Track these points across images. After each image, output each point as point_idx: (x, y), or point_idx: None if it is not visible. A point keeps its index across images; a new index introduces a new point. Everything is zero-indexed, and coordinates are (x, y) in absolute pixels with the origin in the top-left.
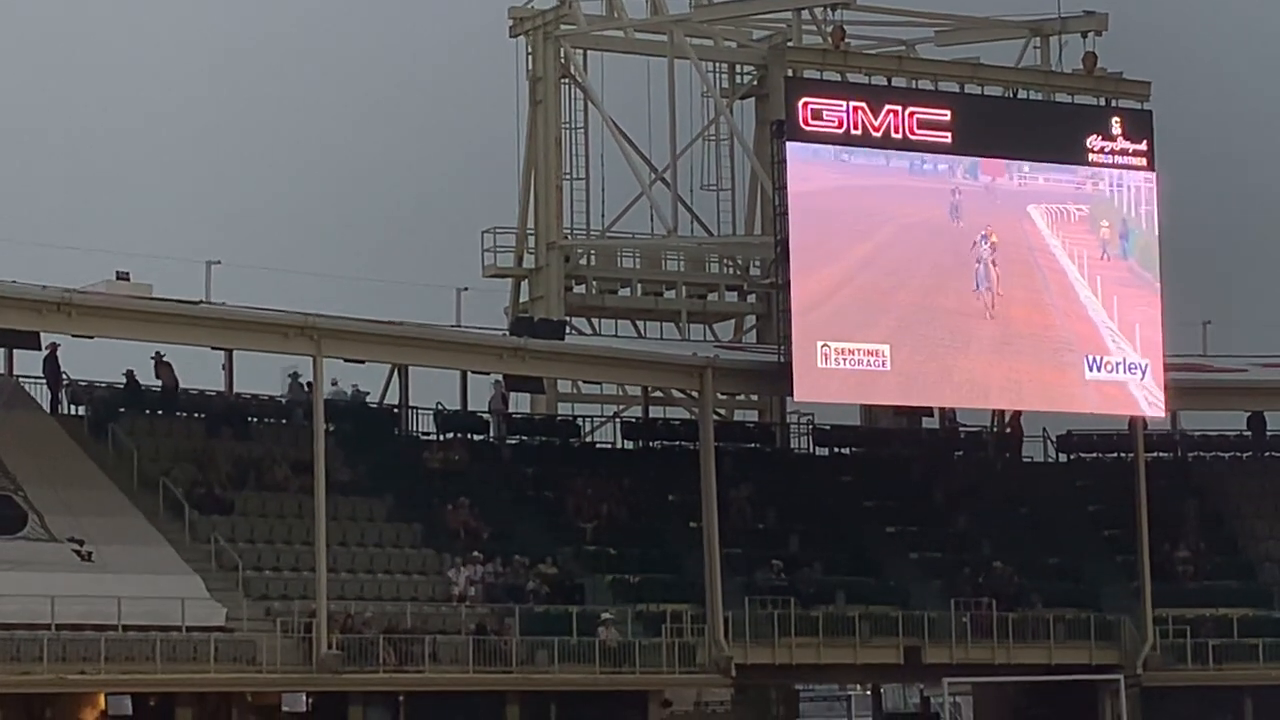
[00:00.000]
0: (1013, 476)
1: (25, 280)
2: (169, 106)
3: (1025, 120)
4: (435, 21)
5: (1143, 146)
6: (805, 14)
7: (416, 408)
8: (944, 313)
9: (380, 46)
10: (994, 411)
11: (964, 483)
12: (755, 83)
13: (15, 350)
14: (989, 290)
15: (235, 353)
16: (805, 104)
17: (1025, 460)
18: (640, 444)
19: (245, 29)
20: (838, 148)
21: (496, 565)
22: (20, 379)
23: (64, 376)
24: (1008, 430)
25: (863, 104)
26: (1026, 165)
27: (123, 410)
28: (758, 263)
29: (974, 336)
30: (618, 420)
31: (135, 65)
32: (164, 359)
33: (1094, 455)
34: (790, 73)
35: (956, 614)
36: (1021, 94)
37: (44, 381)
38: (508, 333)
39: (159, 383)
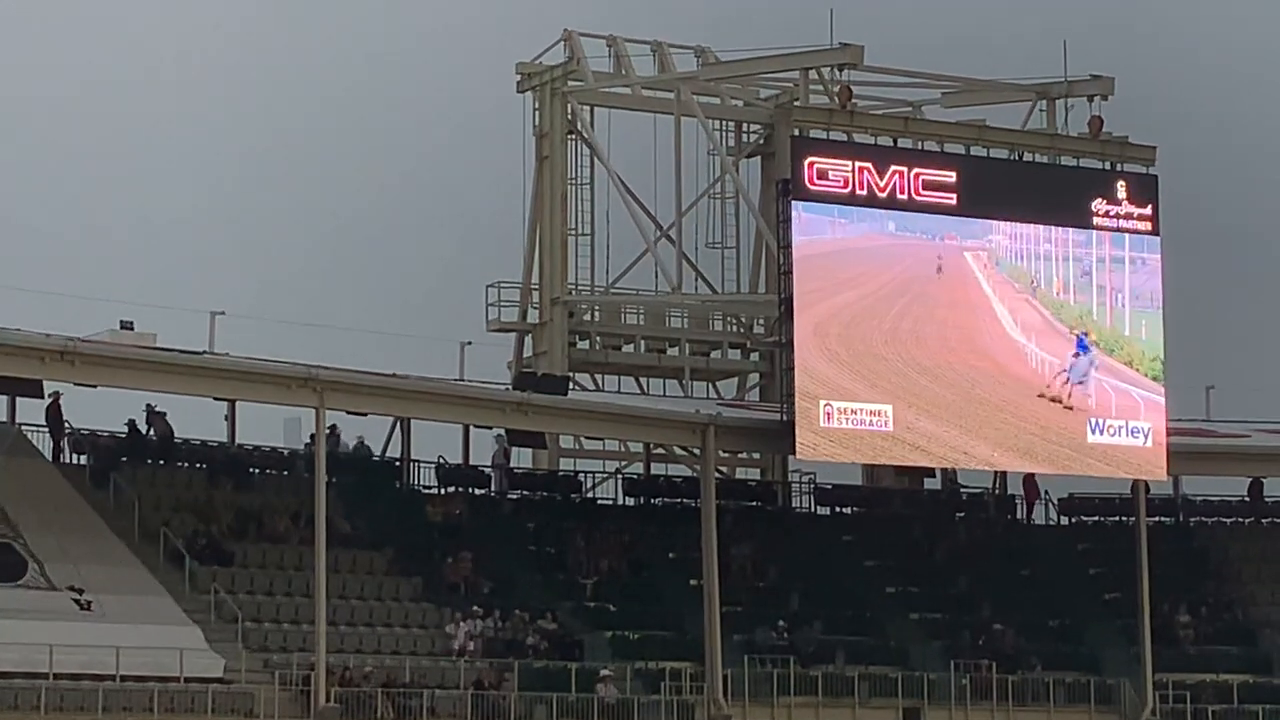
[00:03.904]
0: (1014, 538)
1: (29, 328)
2: (175, 158)
3: (1030, 183)
4: (443, 76)
5: (1147, 211)
6: (812, 74)
7: (418, 461)
8: (948, 374)
9: (387, 100)
10: (995, 473)
11: (965, 544)
12: (761, 141)
13: (18, 398)
14: (992, 354)
15: (238, 403)
16: (811, 163)
17: (1027, 523)
18: (642, 501)
19: (251, 81)
20: (842, 207)
21: (496, 620)
22: (22, 427)
23: (66, 425)
24: (1017, 493)
25: (868, 164)
26: (1031, 228)
27: (124, 459)
28: (761, 321)
29: (977, 398)
30: (619, 477)
31: (141, 116)
32: (157, 409)
33: (1095, 518)
34: (796, 132)
35: (956, 675)
36: (1027, 157)
37: (46, 430)
38: (511, 387)
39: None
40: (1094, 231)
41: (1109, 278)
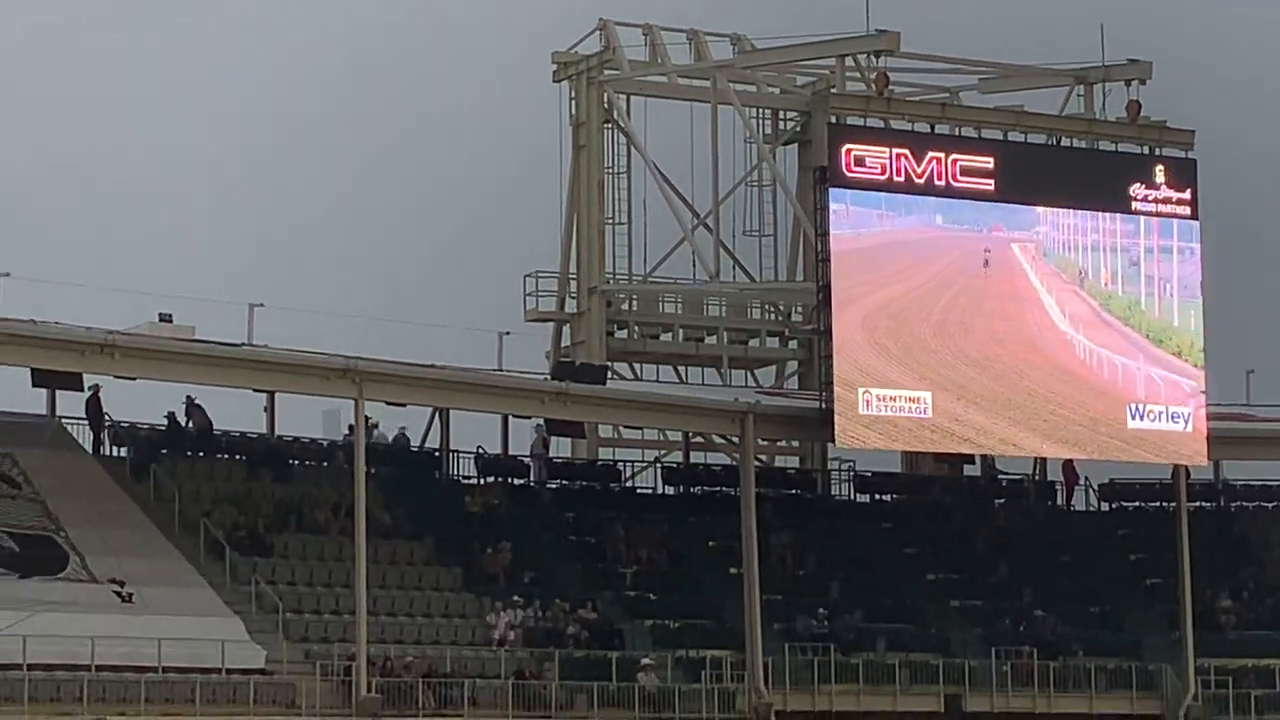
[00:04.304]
0: (1054, 525)
1: (68, 322)
2: (212, 150)
3: (1068, 168)
4: (479, 67)
5: (1186, 195)
6: (849, 61)
7: (457, 451)
8: (987, 360)
9: (424, 91)
10: (1035, 459)
11: (1005, 530)
12: (798, 129)
13: (58, 391)
14: (1041, 345)
15: (277, 395)
16: (848, 150)
17: (1067, 509)
18: (681, 489)
19: (287, 74)
20: (880, 194)
21: (536, 610)
22: (63, 420)
23: (106, 418)
24: (1057, 479)
25: (906, 151)
26: (1077, 218)
27: (164, 452)
28: (799, 308)
29: (1017, 384)
30: (658, 465)
31: (178, 108)
32: (195, 402)
33: (1136, 504)
34: (833, 119)
35: (997, 662)
36: (1065, 142)
37: (86, 423)
38: (549, 377)
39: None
40: (1140, 221)
41: (1157, 267)
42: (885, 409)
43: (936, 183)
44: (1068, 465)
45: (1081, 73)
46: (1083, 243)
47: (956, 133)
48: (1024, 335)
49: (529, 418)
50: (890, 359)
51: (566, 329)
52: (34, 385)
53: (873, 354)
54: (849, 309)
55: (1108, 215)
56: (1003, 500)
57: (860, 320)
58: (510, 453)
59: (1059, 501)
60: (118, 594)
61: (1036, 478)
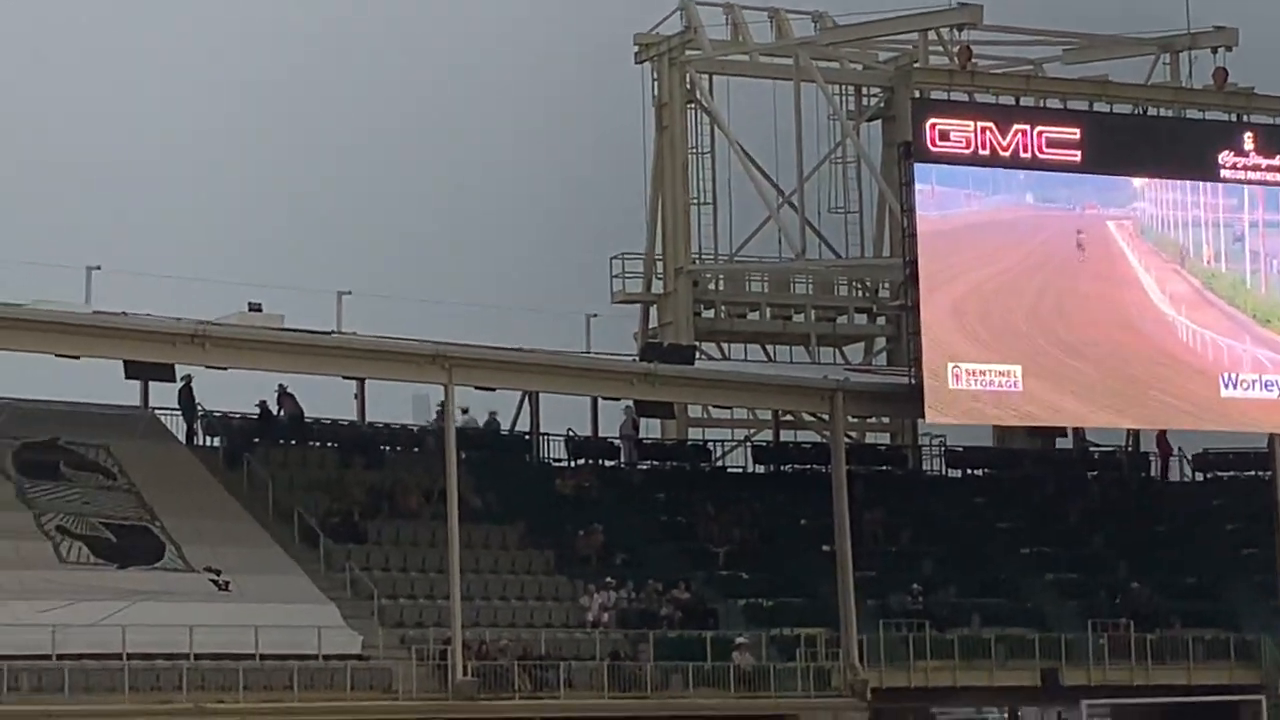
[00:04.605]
0: (1148, 496)
1: (159, 313)
2: (300, 138)
3: (1155, 137)
4: (561, 50)
5: (1276, 161)
6: (931, 35)
7: (547, 434)
8: (1083, 345)
9: (507, 75)
10: (1128, 431)
11: (1099, 503)
12: (882, 104)
13: (150, 382)
14: (1131, 322)
15: (367, 382)
16: (932, 125)
17: (1161, 480)
18: (771, 468)
19: (372, 60)
20: (966, 172)
21: (629, 591)
22: (156, 411)
23: (199, 408)
24: (1150, 450)
25: (990, 124)
26: (1168, 188)
27: (257, 441)
28: (887, 285)
29: (1108, 356)
30: (748, 444)
31: (268, 98)
32: (287, 390)
33: (1231, 474)
34: (917, 94)
35: (1094, 635)
36: (1151, 111)
37: (179, 413)
38: (637, 358)
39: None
40: (1245, 192)
41: (1262, 243)
42: (975, 383)
43: (1022, 155)
44: (1161, 436)
45: (1167, 41)
46: (1183, 219)
47: (1041, 105)
48: (1122, 318)
49: (618, 399)
50: (981, 345)
51: (654, 310)
52: (127, 377)
53: (962, 339)
54: (937, 294)
55: (1209, 188)
56: (1096, 473)
57: (949, 306)
58: (600, 435)
59: (1153, 473)
60: (214, 582)
61: (1129, 449)
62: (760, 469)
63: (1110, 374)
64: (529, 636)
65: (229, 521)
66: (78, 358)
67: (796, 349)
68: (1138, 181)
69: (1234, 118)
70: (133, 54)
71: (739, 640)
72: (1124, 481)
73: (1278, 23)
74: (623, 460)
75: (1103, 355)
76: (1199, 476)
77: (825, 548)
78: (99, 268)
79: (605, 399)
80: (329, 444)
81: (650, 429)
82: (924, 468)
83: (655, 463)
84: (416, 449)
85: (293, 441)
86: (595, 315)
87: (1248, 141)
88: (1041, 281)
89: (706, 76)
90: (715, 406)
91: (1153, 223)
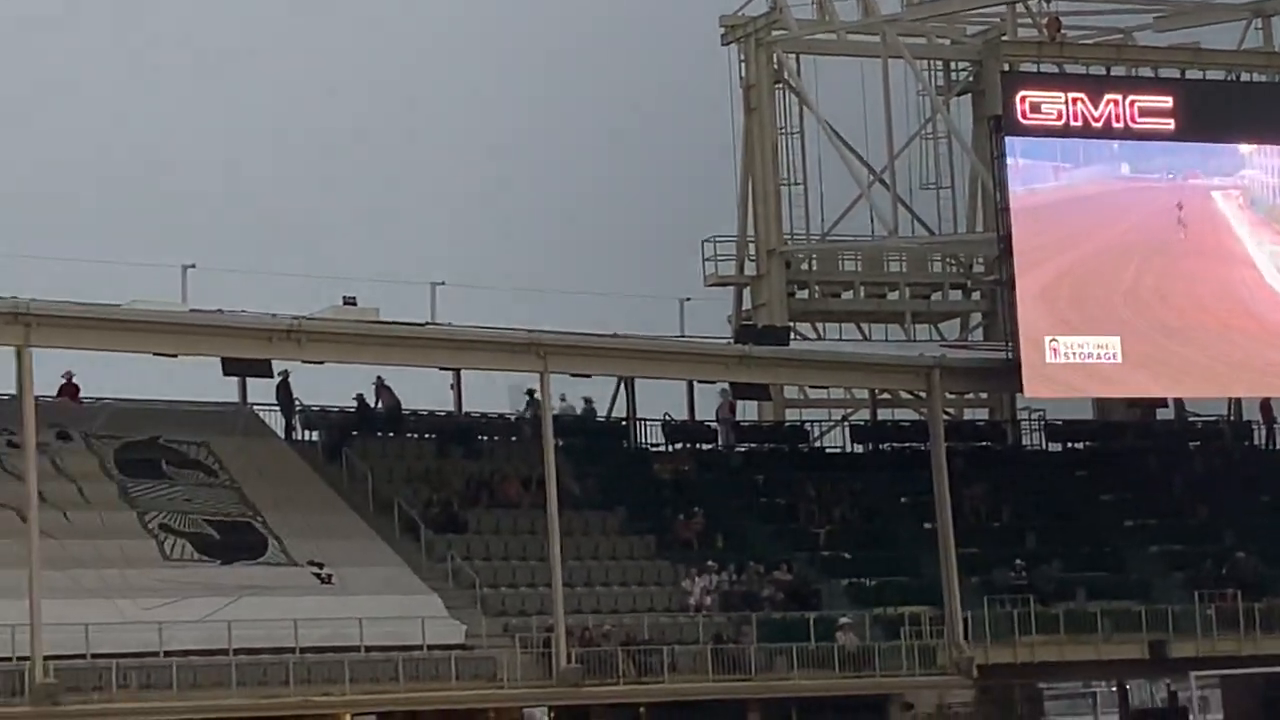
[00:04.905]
0: (1252, 464)
1: (255, 309)
2: (392, 132)
3: (1250, 103)
4: (648, 34)
5: None
6: (1019, 7)
7: (644, 419)
8: (1173, 303)
9: (595, 61)
10: (1230, 400)
11: (1202, 473)
12: (971, 79)
13: (248, 379)
14: (1251, 308)
15: (463, 372)
16: (1023, 98)
17: (1266, 448)
18: (870, 447)
19: (462, 49)
20: (1056, 145)
21: (731, 574)
22: (254, 407)
23: (296, 403)
24: (1253, 418)
25: (1082, 95)
26: (1268, 149)
27: (355, 434)
28: (981, 260)
29: (1204, 326)
30: (846, 424)
31: (354, 90)
32: (384, 383)
33: None
34: (1006, 67)
35: (1201, 606)
36: (1245, 77)
37: (277, 409)
38: (732, 341)
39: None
40: None
41: None
42: (1073, 356)
43: (1115, 125)
44: (1265, 405)
45: (1259, 5)
46: (1271, 177)
47: (1132, 74)
48: (1231, 297)
49: (714, 382)
50: (1075, 304)
51: (747, 292)
52: (224, 374)
53: (1058, 313)
54: (1032, 269)
55: None
56: (1198, 443)
57: (1045, 281)
58: (697, 418)
59: (1256, 441)
60: (317, 576)
61: (1231, 418)
62: (859, 448)
63: (1218, 359)
64: (631, 622)
65: (330, 515)
66: (175, 356)
67: (892, 327)
68: (1245, 148)
69: None
70: (230, 56)
71: (842, 620)
72: (1227, 451)
73: None
74: (720, 443)
75: (1210, 340)
76: None
77: (927, 525)
78: (194, 266)
79: (701, 382)
80: (427, 435)
81: (747, 411)
82: (1023, 442)
83: (753, 445)
84: (514, 438)
85: (390, 433)
86: (689, 299)
87: None
88: (1140, 262)
89: (793, 56)
90: (811, 387)
91: (1265, 191)
